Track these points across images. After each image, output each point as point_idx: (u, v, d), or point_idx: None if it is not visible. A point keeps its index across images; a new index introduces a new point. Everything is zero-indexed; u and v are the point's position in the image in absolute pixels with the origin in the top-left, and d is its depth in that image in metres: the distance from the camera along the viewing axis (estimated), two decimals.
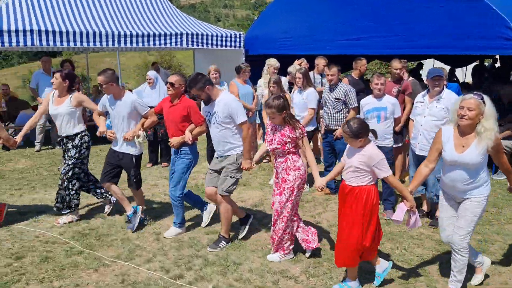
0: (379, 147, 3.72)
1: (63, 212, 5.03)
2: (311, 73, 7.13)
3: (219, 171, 4.43)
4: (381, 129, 5.10)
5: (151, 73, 7.06)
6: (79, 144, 5.02)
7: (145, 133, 4.86)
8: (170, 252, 4.28)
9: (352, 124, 3.41)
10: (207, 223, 4.95)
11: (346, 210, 3.51)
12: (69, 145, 4.99)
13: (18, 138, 5.01)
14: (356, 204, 3.45)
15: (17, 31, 7.99)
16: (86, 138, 5.07)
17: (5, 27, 7.93)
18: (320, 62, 7.18)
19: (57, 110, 4.94)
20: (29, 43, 8.11)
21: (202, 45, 9.94)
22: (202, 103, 4.47)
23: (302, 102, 6.04)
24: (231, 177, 4.31)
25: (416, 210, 3.52)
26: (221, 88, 6.86)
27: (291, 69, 6.96)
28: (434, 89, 4.83)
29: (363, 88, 6.48)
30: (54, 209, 5.06)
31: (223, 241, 4.40)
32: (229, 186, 4.31)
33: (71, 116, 4.97)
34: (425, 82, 5.53)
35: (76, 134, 5.02)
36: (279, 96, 3.96)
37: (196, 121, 4.50)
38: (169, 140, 4.59)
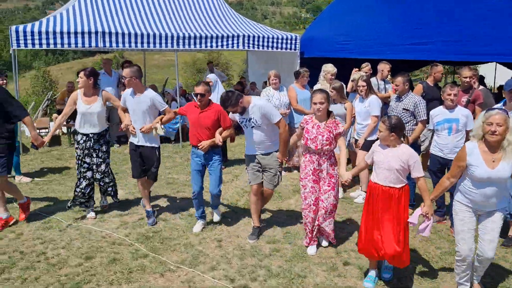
0: (448, 160, 3.76)
1: (107, 202, 5.61)
2: (373, 79, 6.94)
3: (260, 169, 4.74)
4: (452, 142, 4.87)
5: (212, 76, 7.11)
6: (108, 139, 5.42)
7: (162, 126, 5.08)
8: (233, 261, 4.28)
9: (392, 117, 3.63)
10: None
11: (386, 210, 3.66)
12: (101, 141, 5.29)
13: (47, 138, 5.31)
14: (397, 204, 3.62)
15: (82, 33, 8.28)
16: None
17: (72, 29, 8.24)
18: (384, 67, 6.97)
19: (91, 109, 5.14)
20: (93, 44, 8.39)
21: (258, 47, 9.92)
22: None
23: (364, 110, 5.87)
24: (279, 172, 4.74)
25: (431, 218, 3.62)
26: (281, 93, 6.82)
27: (355, 76, 6.79)
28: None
29: (439, 96, 6.19)
30: (75, 203, 5.32)
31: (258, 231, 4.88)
32: (277, 181, 4.76)
33: (102, 113, 5.25)
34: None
35: (106, 131, 5.36)
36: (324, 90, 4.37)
37: (225, 124, 4.79)
38: (198, 144, 4.76)
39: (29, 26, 8.03)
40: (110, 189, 5.47)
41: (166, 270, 4.10)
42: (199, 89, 4.69)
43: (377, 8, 8.63)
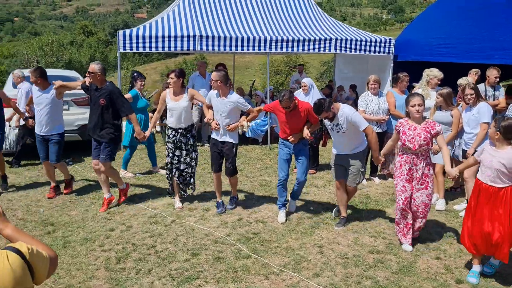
0: None
1: (187, 193, 5.99)
2: (481, 85, 6.52)
3: (345, 166, 5.05)
4: None
5: (307, 80, 7.08)
6: (195, 133, 5.79)
7: (248, 123, 5.38)
8: (337, 268, 4.22)
9: (507, 119, 3.74)
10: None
11: (488, 207, 3.81)
12: (189, 135, 5.65)
13: (147, 133, 5.74)
14: (501, 203, 3.75)
15: (182, 36, 8.66)
16: None
17: (172, 33, 8.65)
18: (492, 73, 6.51)
19: (178, 105, 5.48)
20: (191, 47, 8.74)
21: (350, 51, 9.74)
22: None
23: (473, 118, 5.51)
24: (361, 171, 5.03)
25: None
26: (380, 98, 6.63)
27: (461, 81, 6.42)
28: None
29: None
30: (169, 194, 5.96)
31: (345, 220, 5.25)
32: (359, 179, 5.06)
33: (188, 109, 5.57)
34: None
35: (192, 125, 5.72)
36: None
37: (314, 120, 5.16)
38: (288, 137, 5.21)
39: (134, 30, 8.55)
40: (192, 180, 5.83)
41: (270, 273, 4.13)
42: (286, 103, 4.99)
43: (484, 10, 8.09)
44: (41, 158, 6.19)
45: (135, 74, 7.00)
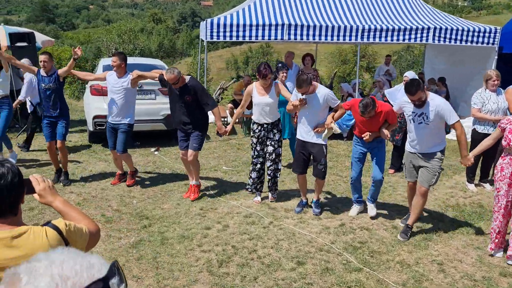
0: None
1: (272, 195, 5.71)
2: None
3: (418, 167, 4.64)
4: None
5: (410, 74, 6.48)
6: (280, 128, 5.51)
7: (335, 124, 4.93)
8: None
9: None
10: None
11: None
12: (275, 130, 5.40)
13: (228, 127, 5.58)
14: None
15: (270, 25, 8.32)
16: None
17: (260, 22, 8.32)
18: None
19: (266, 100, 5.25)
20: (279, 37, 8.38)
21: (449, 41, 8.94)
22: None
23: None
24: (438, 172, 4.56)
25: None
26: (499, 96, 5.93)
27: None
28: None
29: None
30: (248, 189, 5.63)
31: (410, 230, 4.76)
32: (435, 181, 4.57)
33: (275, 104, 5.34)
34: None
35: (278, 120, 5.47)
36: None
37: (392, 121, 4.83)
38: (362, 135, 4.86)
39: (222, 19, 8.32)
40: (277, 177, 5.61)
41: None
42: (368, 115, 4.67)
43: None
44: (110, 147, 6.16)
45: (279, 64, 6.61)
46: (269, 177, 5.61)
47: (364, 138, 4.84)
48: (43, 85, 5.87)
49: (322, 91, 4.93)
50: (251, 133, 5.53)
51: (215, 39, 8.27)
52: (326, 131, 4.96)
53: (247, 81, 10.87)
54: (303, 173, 5.29)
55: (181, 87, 5.35)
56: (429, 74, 11.37)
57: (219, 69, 46.90)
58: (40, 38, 9.79)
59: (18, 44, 8.37)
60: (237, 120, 10.37)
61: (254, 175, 5.56)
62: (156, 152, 8.03)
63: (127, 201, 5.73)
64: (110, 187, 6.22)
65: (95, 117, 7.90)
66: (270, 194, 5.73)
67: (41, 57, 5.79)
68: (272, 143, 5.42)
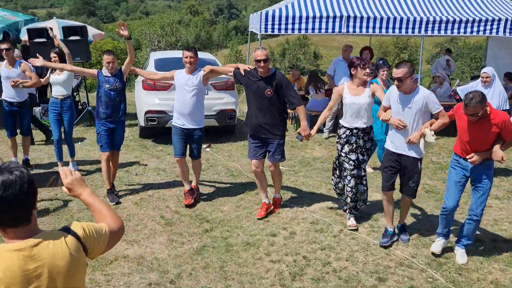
0: None
1: (354, 213, 4.88)
2: None
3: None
4: None
5: (489, 70, 5.94)
6: (372, 136, 4.78)
7: (433, 133, 4.04)
8: None
9: None
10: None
11: None
12: (366, 138, 4.69)
13: (313, 130, 4.85)
14: None
15: (327, 17, 7.90)
16: None
17: (317, 13, 7.92)
18: None
19: (359, 101, 4.56)
20: (336, 29, 7.96)
21: None
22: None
23: None
24: None
25: None
26: None
27: None
28: None
29: None
30: (346, 210, 4.88)
31: None
32: None
33: (370, 106, 4.61)
34: None
35: (371, 127, 4.70)
36: None
37: (508, 137, 3.81)
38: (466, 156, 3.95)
39: (276, 11, 7.97)
40: (366, 189, 4.82)
41: None
42: (472, 110, 3.68)
43: None
44: (176, 154, 5.30)
45: (380, 61, 6.03)
46: (356, 190, 4.81)
47: (469, 160, 3.93)
48: (108, 86, 5.24)
49: (422, 92, 4.08)
50: (337, 138, 4.86)
51: (269, 32, 7.93)
52: (422, 141, 4.08)
53: (296, 76, 10.51)
54: (391, 190, 4.39)
55: (266, 77, 4.66)
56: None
57: (250, 62, 46.61)
58: (91, 31, 9.74)
59: (71, 38, 8.28)
60: (289, 116, 10.05)
61: (350, 192, 4.75)
62: (208, 149, 7.80)
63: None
64: (165, 185, 6.03)
65: (147, 112, 7.76)
66: (350, 219, 4.82)
67: (107, 57, 5.19)
68: (362, 150, 4.68)
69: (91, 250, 1.70)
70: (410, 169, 4.23)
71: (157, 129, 8.29)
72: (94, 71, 5.53)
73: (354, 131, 4.66)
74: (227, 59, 43.10)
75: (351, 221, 4.77)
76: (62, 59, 5.95)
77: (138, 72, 5.69)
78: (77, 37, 8.27)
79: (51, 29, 6.26)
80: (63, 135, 6.32)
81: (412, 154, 4.19)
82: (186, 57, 5.04)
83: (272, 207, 5.17)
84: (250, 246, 4.39)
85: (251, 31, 9.83)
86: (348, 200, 4.79)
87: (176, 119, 5.27)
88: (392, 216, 4.47)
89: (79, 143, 7.93)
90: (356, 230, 4.69)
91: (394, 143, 4.26)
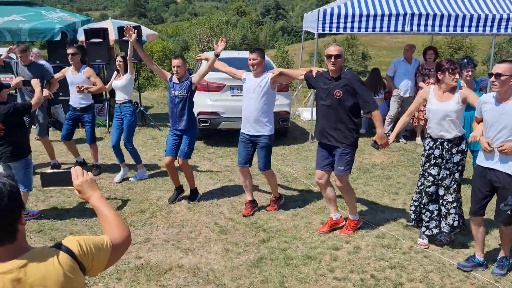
0: None
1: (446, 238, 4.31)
2: None
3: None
4: None
5: None
6: (464, 148, 4.08)
7: None
8: None
9: None
10: None
11: None
12: (454, 150, 4.06)
13: (391, 139, 4.30)
14: None
15: (389, 15, 7.44)
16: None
17: (378, 11, 7.48)
18: None
19: (447, 108, 3.99)
20: (399, 27, 7.47)
21: None
22: None
23: None
24: None
25: None
26: None
27: None
28: None
29: None
30: (423, 230, 4.30)
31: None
32: None
33: (460, 114, 4.03)
34: None
35: (461, 138, 4.07)
36: None
37: None
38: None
39: (335, 9, 7.59)
40: (452, 212, 4.12)
41: None
42: None
43: None
44: (239, 163, 5.02)
45: (464, 60, 5.52)
46: (439, 214, 4.21)
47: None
48: (173, 92, 5.11)
49: None
50: (422, 150, 4.31)
51: (327, 31, 7.56)
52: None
53: None
54: (480, 215, 3.80)
55: (337, 77, 4.23)
56: None
57: (302, 61, 45.99)
58: (145, 31, 9.74)
59: (93, 40, 8.17)
60: None
61: (425, 213, 4.23)
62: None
63: (238, 208, 5.28)
64: (218, 190, 5.83)
65: (199, 113, 7.60)
66: (422, 237, 4.37)
67: (174, 61, 5.03)
68: (449, 165, 4.08)
69: (90, 268, 1.53)
70: (505, 189, 3.58)
71: (209, 131, 8.14)
72: (168, 74, 5.33)
73: (439, 141, 4.12)
74: (273, 60, 42.82)
75: (422, 240, 4.33)
76: (126, 63, 5.86)
77: (224, 70, 5.14)
78: (99, 39, 8.18)
79: (131, 28, 5.84)
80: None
81: (506, 169, 3.55)
82: (250, 60, 4.75)
83: (342, 225, 4.65)
84: (311, 260, 4.08)
85: (306, 31, 9.48)
86: (423, 224, 4.29)
87: (242, 125, 4.97)
88: (481, 244, 3.89)
89: None
90: (427, 248, 4.27)
91: (486, 155, 3.69)
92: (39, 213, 5.02)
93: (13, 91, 7.38)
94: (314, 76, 4.47)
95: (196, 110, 7.61)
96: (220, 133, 8.18)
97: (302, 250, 4.27)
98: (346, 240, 4.43)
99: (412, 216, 4.36)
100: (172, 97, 5.16)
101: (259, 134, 4.85)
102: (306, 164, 6.90)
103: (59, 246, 1.48)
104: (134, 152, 6.11)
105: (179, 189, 5.54)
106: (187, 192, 5.57)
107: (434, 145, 4.17)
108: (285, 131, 8.40)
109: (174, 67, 5.06)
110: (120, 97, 5.95)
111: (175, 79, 5.15)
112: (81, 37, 8.80)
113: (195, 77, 5.14)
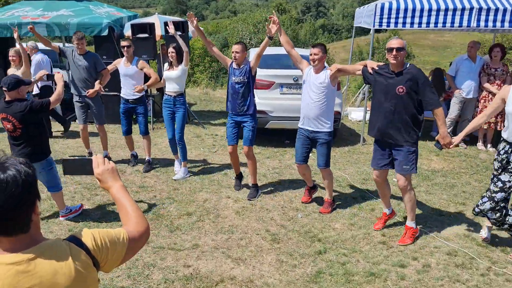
0: None
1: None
2: None
3: None
4: None
5: None
6: None
7: None
8: None
9: None
10: None
11: None
12: None
13: (457, 139, 3.96)
14: None
15: (454, 9, 6.87)
16: None
17: (441, 5, 6.92)
18: None
19: None
20: (465, 23, 6.88)
21: None
22: None
23: None
24: None
25: None
26: None
27: None
28: None
29: None
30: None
31: None
32: None
33: None
34: None
35: None
36: None
37: None
38: None
39: (393, 3, 7.09)
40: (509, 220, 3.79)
41: None
42: None
43: None
44: (296, 160, 4.96)
45: None
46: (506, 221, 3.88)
47: None
48: (234, 78, 5.07)
49: None
50: (495, 155, 3.94)
51: (384, 26, 7.07)
52: None
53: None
54: None
55: (398, 72, 3.97)
56: None
57: (342, 60, 45.01)
58: (191, 27, 9.54)
59: (139, 35, 8.00)
60: None
61: (493, 215, 3.88)
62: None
63: (290, 214, 4.94)
64: (267, 193, 5.50)
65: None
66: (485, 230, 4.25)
67: (234, 47, 5.05)
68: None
69: (104, 264, 1.46)
70: None
71: (265, 130, 7.83)
72: (229, 60, 5.25)
73: (508, 147, 3.75)
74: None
75: (485, 233, 4.12)
76: (179, 55, 5.67)
77: (262, 44, 4.94)
78: (146, 35, 8.02)
79: (193, 14, 5.67)
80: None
81: None
82: (311, 55, 4.59)
83: (393, 216, 4.61)
84: (375, 277, 3.68)
85: (358, 26, 9.00)
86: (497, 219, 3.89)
87: (301, 121, 4.87)
88: None
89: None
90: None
91: None
92: (82, 207, 4.89)
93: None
94: (371, 72, 4.20)
95: None
96: (267, 133, 7.85)
97: (364, 265, 3.88)
98: (412, 256, 4.00)
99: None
100: (232, 83, 5.10)
101: (319, 130, 4.74)
102: (359, 168, 6.46)
103: (73, 239, 1.41)
104: (185, 148, 5.98)
105: (240, 176, 5.68)
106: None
107: (510, 150, 3.77)
108: (334, 132, 7.97)
109: (233, 52, 5.01)
110: (173, 88, 5.76)
111: (235, 65, 5.10)
112: (127, 32, 8.69)
113: (252, 61, 5.05)
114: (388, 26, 7.06)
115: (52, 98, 4.31)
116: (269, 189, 5.65)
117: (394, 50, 3.89)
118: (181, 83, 5.76)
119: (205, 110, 10.88)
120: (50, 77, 5.08)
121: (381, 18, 7.07)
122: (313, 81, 4.63)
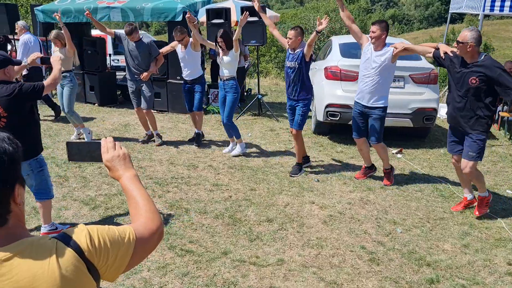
0: None
1: None
2: None
3: None
4: None
5: None
6: None
7: None
8: None
9: None
10: None
11: None
12: None
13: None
14: None
15: None
16: None
17: None
18: None
19: None
20: None
21: None
22: None
23: None
24: None
25: None
26: None
27: None
28: None
29: None
30: None
31: None
32: None
33: None
34: None
35: None
36: None
37: None
38: None
39: None
40: None
41: None
42: None
43: None
44: (355, 136, 5.24)
45: None
46: None
47: None
48: (287, 62, 5.36)
49: None
50: None
51: (496, 11, 6.07)
52: None
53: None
54: None
55: (472, 63, 4.01)
56: None
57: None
58: (268, 13, 8.96)
59: (214, 21, 7.71)
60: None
61: None
62: (399, 155, 6.36)
63: (386, 227, 4.22)
64: (356, 200, 4.81)
65: (328, 105, 6.64)
66: None
67: (289, 33, 5.21)
68: None
69: (105, 270, 1.13)
70: None
71: (335, 126, 7.13)
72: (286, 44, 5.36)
73: None
74: None
75: None
76: (227, 41, 5.80)
77: (310, 38, 5.04)
78: (221, 20, 7.65)
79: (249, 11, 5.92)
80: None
81: None
82: (370, 32, 4.83)
83: (476, 205, 4.48)
84: None
85: (453, 13, 7.96)
86: None
87: (357, 94, 5.13)
88: None
89: (249, 134, 7.20)
90: None
91: None
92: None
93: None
94: (443, 57, 4.23)
95: (324, 101, 6.68)
96: (349, 130, 7.12)
97: None
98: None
99: None
100: (286, 67, 5.38)
101: (373, 106, 4.95)
102: None
103: (63, 237, 1.11)
104: (234, 126, 6.11)
105: (307, 158, 5.77)
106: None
107: None
108: (426, 131, 7.09)
109: (287, 38, 5.18)
110: (224, 73, 5.95)
111: (290, 49, 5.26)
112: (202, 17, 8.27)
113: (305, 48, 5.13)
114: (501, 10, 6.04)
115: (46, 82, 3.49)
116: (358, 195, 4.95)
117: (456, 43, 4.01)
118: (231, 67, 5.92)
119: (276, 102, 10.29)
120: (45, 60, 4.07)
121: (493, 1, 6.06)
122: (372, 57, 4.83)
